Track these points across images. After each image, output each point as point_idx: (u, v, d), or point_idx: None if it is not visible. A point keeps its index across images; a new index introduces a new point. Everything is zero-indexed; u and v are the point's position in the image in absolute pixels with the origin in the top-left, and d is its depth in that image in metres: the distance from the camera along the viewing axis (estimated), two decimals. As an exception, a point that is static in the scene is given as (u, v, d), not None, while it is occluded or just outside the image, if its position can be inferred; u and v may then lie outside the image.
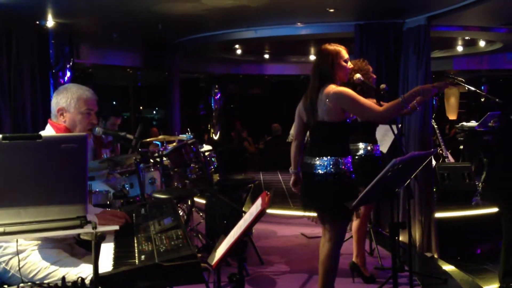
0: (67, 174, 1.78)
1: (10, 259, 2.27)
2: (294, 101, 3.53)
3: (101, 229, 1.79)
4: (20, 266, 2.25)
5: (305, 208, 3.28)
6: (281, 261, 4.80)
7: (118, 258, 2.03)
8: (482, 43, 9.18)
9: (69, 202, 1.78)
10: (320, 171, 3.12)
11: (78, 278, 1.95)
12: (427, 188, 5.33)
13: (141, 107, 17.37)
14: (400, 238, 5.01)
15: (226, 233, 2.20)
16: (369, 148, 4.07)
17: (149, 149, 6.15)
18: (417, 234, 5.31)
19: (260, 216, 1.96)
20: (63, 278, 1.97)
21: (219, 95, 13.52)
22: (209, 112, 13.78)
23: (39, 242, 2.33)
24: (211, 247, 3.82)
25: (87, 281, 2.00)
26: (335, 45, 3.21)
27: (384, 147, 4.62)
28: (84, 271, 2.22)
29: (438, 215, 5.45)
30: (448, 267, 4.64)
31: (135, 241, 2.19)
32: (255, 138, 12.95)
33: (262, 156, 11.77)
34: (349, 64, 3.24)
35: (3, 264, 2.29)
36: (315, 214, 3.25)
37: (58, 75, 6.51)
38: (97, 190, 4.09)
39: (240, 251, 2.12)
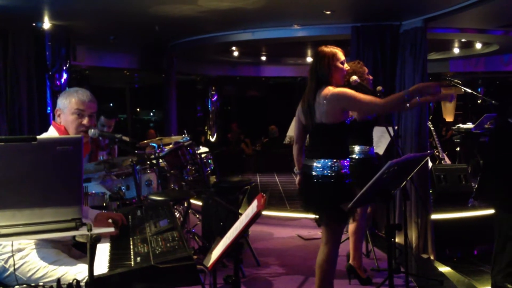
0: (62, 176, 1.78)
1: (9, 257, 2.28)
2: (291, 103, 3.55)
3: (96, 231, 1.79)
4: (19, 264, 2.26)
5: (305, 210, 3.30)
6: (277, 262, 4.80)
7: (114, 260, 2.03)
8: (478, 45, 9.21)
9: (64, 204, 1.78)
10: (318, 173, 3.12)
11: (73, 280, 1.95)
12: (423, 190, 5.34)
13: (138, 109, 17.36)
14: (397, 240, 5.02)
15: (222, 235, 2.20)
16: (365, 150, 4.08)
17: (146, 151, 6.13)
18: (413, 236, 5.32)
19: (255, 218, 1.97)
20: (58, 280, 1.97)
21: (216, 97, 13.50)
22: (206, 114, 13.76)
23: (39, 241, 2.34)
24: (207, 249, 3.82)
25: (82, 283, 2.00)
26: (332, 47, 3.21)
27: (380, 149, 4.63)
28: (83, 271, 2.22)
29: (434, 216, 5.46)
30: (444, 269, 4.65)
31: (131, 243, 2.19)
32: (252, 140, 12.96)
33: (259, 158, 11.77)
34: (346, 66, 3.25)
35: (2, 262, 2.30)
36: (315, 216, 3.26)
37: (54, 77, 6.49)
38: (93, 192, 4.08)
39: (236, 252, 2.12)
